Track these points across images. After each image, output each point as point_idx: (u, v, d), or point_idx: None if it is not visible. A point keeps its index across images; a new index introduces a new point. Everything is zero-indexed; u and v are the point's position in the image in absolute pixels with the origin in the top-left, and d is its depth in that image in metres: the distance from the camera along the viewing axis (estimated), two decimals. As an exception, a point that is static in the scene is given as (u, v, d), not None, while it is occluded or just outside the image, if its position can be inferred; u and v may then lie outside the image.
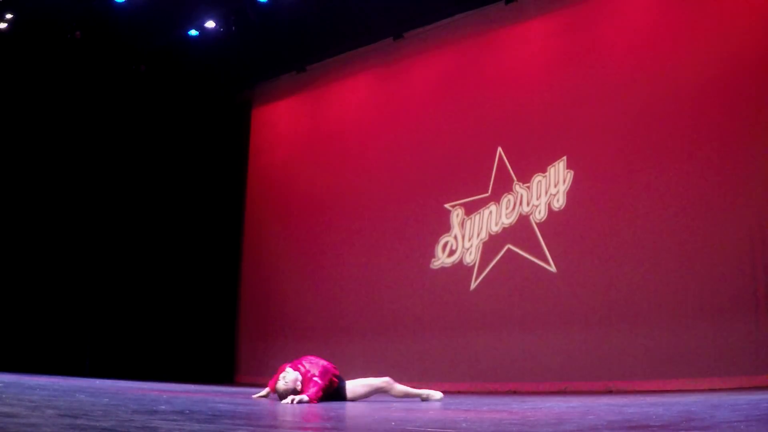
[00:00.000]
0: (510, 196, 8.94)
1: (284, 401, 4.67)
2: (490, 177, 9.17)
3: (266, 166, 12.13)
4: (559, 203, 8.51)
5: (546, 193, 8.63)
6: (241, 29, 10.60)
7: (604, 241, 8.08)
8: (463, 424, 3.03)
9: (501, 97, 9.35)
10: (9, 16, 9.98)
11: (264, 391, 5.40)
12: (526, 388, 7.91)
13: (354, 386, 5.19)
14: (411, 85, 10.46)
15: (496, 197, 9.08)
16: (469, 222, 9.24)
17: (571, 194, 8.44)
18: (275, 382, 4.96)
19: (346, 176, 10.84)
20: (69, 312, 10.50)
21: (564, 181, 8.51)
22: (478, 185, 9.24)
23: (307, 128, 11.67)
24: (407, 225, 9.88)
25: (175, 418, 2.73)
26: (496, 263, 8.91)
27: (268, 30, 10.64)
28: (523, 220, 8.77)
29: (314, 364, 5.01)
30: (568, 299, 8.20)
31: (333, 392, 5.06)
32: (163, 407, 3.30)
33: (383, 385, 5.27)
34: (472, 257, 9.15)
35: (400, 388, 5.30)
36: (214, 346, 11.50)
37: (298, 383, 4.85)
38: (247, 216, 12.26)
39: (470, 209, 9.29)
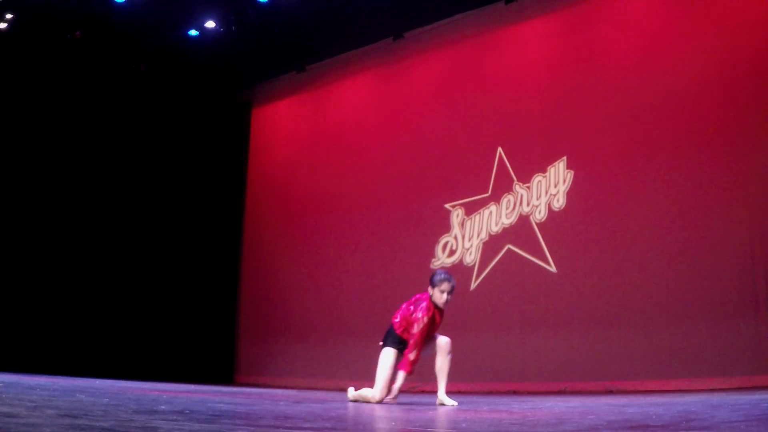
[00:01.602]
0: (510, 196, 8.94)
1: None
2: (490, 177, 9.17)
3: (266, 166, 12.13)
4: (559, 203, 8.51)
5: (546, 193, 8.63)
6: (241, 29, 10.59)
7: (604, 241, 8.08)
8: (463, 424, 3.03)
9: (501, 97, 9.35)
10: (9, 16, 9.98)
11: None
12: (526, 388, 7.91)
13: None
14: (411, 85, 10.46)
15: (496, 197, 9.08)
16: (469, 222, 9.24)
17: (571, 194, 8.43)
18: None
19: (346, 176, 10.84)
20: (69, 312, 10.49)
21: (564, 181, 8.51)
22: (478, 185, 9.24)
23: (307, 128, 11.68)
24: (407, 225, 9.88)
25: (175, 418, 2.73)
26: (496, 263, 8.91)
27: (268, 30, 10.64)
28: (523, 220, 8.77)
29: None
30: (568, 299, 8.20)
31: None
32: (163, 407, 3.30)
33: (371, 397, 5.03)
34: (472, 257, 9.15)
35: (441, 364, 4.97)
36: (214, 346, 11.50)
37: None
38: (247, 216, 12.27)
39: (470, 209, 9.29)
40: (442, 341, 4.95)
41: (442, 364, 4.98)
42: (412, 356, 4.91)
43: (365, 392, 5.05)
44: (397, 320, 5.05)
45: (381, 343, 5.09)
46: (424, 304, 4.96)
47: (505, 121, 9.21)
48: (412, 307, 5.00)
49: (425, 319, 4.90)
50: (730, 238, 7.15)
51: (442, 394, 4.95)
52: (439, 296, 4.95)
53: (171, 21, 10.42)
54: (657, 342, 7.40)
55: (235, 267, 12.09)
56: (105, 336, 10.73)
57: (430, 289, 5.00)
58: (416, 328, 4.89)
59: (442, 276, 4.98)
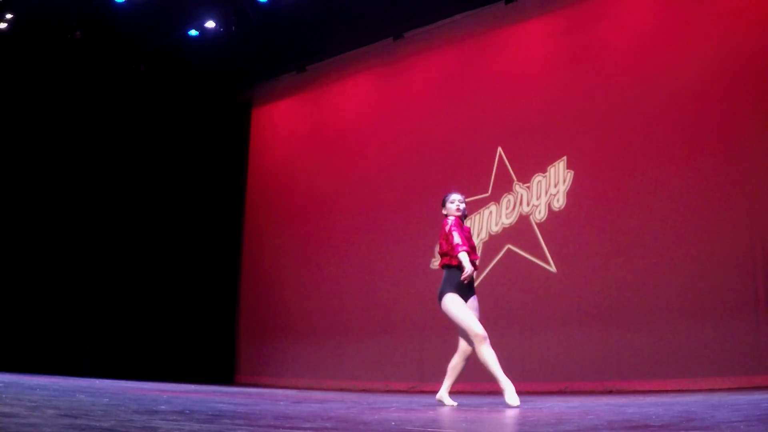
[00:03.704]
0: (510, 196, 8.94)
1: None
2: (490, 177, 9.17)
3: (266, 166, 12.13)
4: (559, 203, 8.51)
5: (546, 193, 8.63)
6: (241, 29, 10.59)
7: (604, 241, 8.08)
8: (463, 424, 3.04)
9: (501, 97, 9.35)
10: (9, 16, 9.98)
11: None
12: (526, 388, 7.90)
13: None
14: (411, 85, 10.45)
15: (496, 197, 9.07)
16: (469, 222, 9.23)
17: (571, 194, 8.43)
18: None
19: (346, 176, 10.84)
20: (69, 312, 10.50)
21: (564, 181, 8.50)
22: (478, 185, 9.24)
23: (307, 128, 11.67)
24: (407, 225, 9.87)
25: (175, 418, 2.73)
26: (496, 263, 8.91)
27: (268, 30, 10.63)
28: (523, 220, 8.77)
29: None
30: (568, 299, 8.20)
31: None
32: (163, 407, 3.30)
33: (473, 338, 4.66)
34: (472, 257, 9.13)
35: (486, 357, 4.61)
36: (214, 346, 11.50)
37: None
38: (247, 216, 12.26)
39: (470, 209, 9.27)
40: (466, 347, 4.83)
41: (456, 364, 4.93)
42: (461, 246, 4.78)
43: (462, 349, 4.87)
44: (440, 262, 4.95)
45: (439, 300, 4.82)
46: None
47: (505, 121, 9.21)
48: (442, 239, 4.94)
49: (451, 221, 4.91)
50: (730, 237, 7.15)
51: (444, 392, 4.93)
52: (453, 208, 5.02)
53: (171, 21, 10.42)
54: (657, 342, 7.39)
55: (235, 267, 12.08)
56: (105, 336, 10.73)
57: (444, 212, 5.10)
58: (451, 234, 4.85)
59: (448, 194, 5.11)
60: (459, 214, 5.03)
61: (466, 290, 4.88)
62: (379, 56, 10.76)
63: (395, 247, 9.94)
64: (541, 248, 8.52)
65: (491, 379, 4.63)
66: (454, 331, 5.00)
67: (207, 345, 11.41)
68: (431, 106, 10.07)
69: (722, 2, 7.77)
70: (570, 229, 8.37)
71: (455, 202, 5.05)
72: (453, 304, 4.76)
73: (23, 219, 10.35)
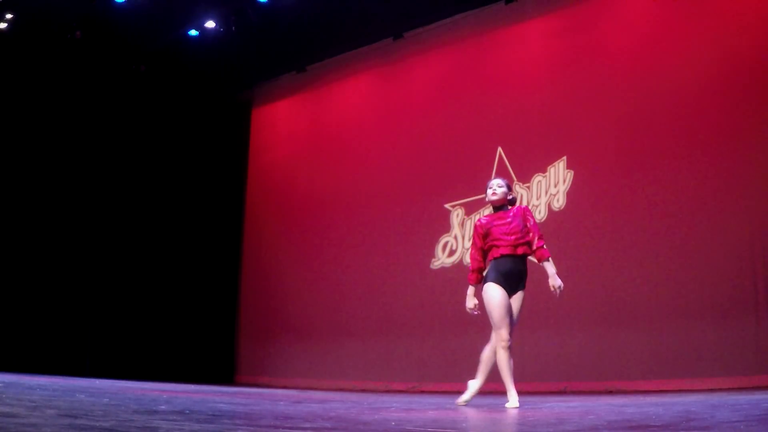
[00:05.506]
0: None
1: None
2: (490, 177, 9.13)
3: (266, 165, 12.13)
4: (559, 203, 8.51)
5: (546, 193, 8.63)
6: (241, 29, 10.59)
7: (604, 241, 8.07)
8: (463, 424, 3.04)
9: (501, 97, 9.35)
10: (9, 16, 9.98)
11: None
12: (526, 388, 7.90)
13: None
14: (411, 85, 10.46)
15: (496, 197, 9.06)
16: (469, 222, 9.24)
17: (571, 194, 8.43)
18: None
19: (346, 176, 10.84)
20: (69, 312, 10.49)
21: (564, 181, 8.50)
22: (478, 185, 9.22)
23: (307, 128, 11.67)
24: (407, 225, 9.87)
25: (175, 418, 2.73)
26: (496, 263, 8.89)
27: (268, 30, 10.64)
28: (523, 220, 8.76)
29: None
30: (568, 299, 8.18)
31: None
32: (163, 407, 3.30)
33: (496, 338, 4.61)
34: (472, 257, 9.13)
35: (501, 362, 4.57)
36: (214, 346, 11.50)
37: None
38: (247, 216, 12.26)
39: (470, 209, 9.28)
40: (495, 339, 4.70)
41: (489, 357, 4.85)
42: (470, 270, 4.79)
43: (488, 348, 4.78)
44: (479, 260, 4.83)
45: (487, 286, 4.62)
46: None
47: (505, 121, 9.21)
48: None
49: (477, 222, 4.81)
50: (730, 237, 7.15)
51: (474, 387, 4.87)
52: (489, 194, 4.82)
53: (171, 21, 10.42)
54: (657, 342, 7.39)
55: (235, 267, 12.08)
56: (105, 336, 10.73)
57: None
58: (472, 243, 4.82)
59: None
60: (495, 198, 4.78)
61: (513, 283, 4.74)
62: (379, 56, 10.76)
63: (395, 247, 9.94)
64: (541, 248, 8.51)
65: (496, 379, 4.63)
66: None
67: (207, 345, 11.41)
68: (431, 106, 10.07)
69: (722, 2, 7.77)
70: (570, 229, 8.36)
71: (492, 187, 4.81)
72: (492, 296, 4.60)
73: (23, 219, 10.35)
